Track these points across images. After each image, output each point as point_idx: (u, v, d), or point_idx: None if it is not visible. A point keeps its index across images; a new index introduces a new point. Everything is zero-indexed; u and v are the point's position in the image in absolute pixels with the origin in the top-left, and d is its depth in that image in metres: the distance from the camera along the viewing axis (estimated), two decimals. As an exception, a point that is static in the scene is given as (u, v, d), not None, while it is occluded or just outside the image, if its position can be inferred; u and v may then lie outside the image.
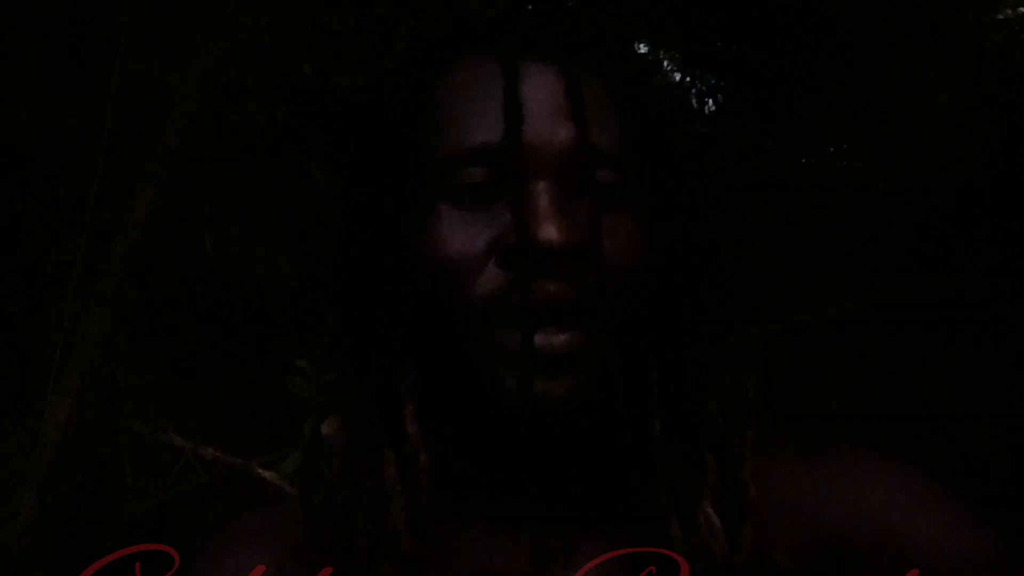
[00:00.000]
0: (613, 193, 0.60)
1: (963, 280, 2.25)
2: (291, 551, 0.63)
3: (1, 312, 1.97)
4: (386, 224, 0.63)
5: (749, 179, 3.03)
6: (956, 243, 2.31)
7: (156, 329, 2.11)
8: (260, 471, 1.95)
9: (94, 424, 1.88)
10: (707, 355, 0.66)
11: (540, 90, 0.60)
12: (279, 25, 2.16)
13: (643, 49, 3.19)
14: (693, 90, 3.51)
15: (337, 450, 0.64)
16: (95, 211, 1.78)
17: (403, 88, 0.65)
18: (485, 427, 0.61)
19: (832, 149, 3.16)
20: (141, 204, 1.84)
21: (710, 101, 3.55)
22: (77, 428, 1.80)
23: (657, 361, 0.63)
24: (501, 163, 0.59)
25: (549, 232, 0.56)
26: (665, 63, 3.42)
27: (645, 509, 0.62)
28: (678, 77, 3.46)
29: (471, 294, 0.58)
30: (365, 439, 0.63)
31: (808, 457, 0.67)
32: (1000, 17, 2.73)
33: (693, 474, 0.62)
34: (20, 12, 2.03)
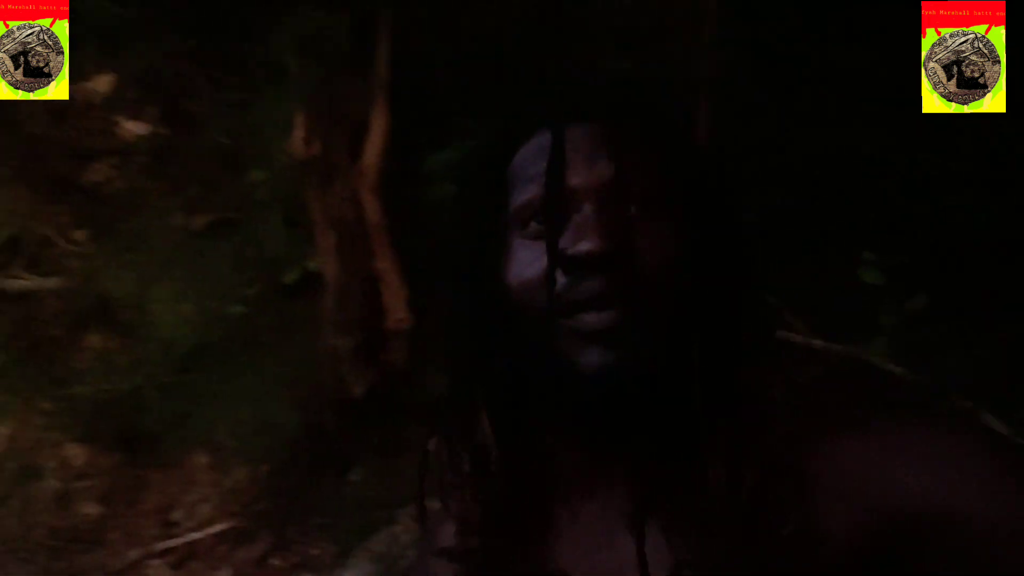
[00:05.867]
0: (648, 206, 0.75)
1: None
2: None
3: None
4: (482, 257, 0.80)
5: (764, 157, 3.10)
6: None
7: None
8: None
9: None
10: (744, 335, 0.77)
11: (585, 142, 0.76)
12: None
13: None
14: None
15: (442, 461, 0.81)
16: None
17: (502, 155, 0.81)
18: (564, 402, 0.75)
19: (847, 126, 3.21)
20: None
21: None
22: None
23: (698, 339, 0.74)
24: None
25: (586, 245, 0.72)
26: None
27: (695, 476, 0.72)
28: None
29: (544, 297, 0.74)
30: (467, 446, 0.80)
31: (872, 431, 0.71)
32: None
33: (735, 443, 0.71)
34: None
